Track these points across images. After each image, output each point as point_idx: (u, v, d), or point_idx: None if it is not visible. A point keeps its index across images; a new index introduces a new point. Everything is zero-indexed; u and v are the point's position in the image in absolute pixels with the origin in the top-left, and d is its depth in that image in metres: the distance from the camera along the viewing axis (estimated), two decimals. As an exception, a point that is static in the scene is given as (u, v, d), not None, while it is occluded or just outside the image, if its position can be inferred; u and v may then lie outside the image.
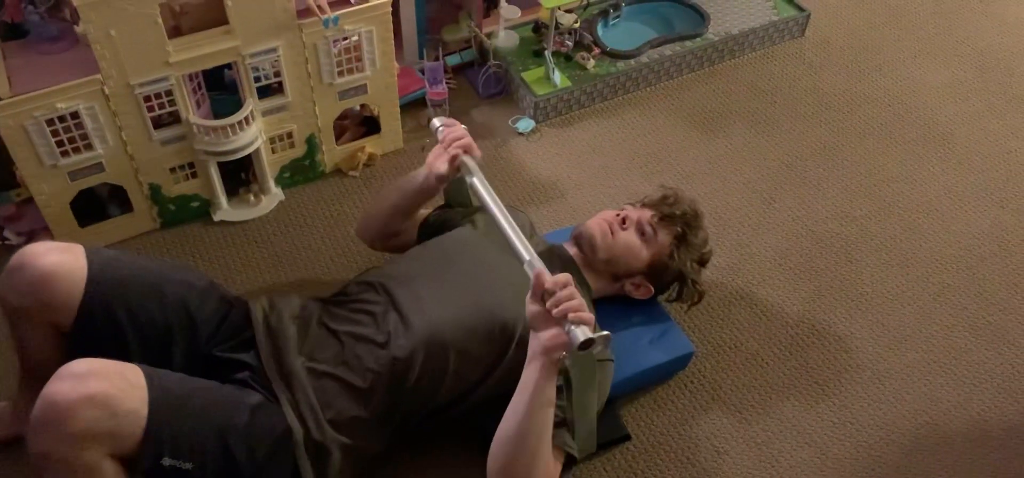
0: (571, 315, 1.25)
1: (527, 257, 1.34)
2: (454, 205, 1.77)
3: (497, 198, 1.45)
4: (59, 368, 1.16)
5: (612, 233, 1.66)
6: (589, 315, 1.26)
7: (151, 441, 1.16)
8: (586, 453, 1.56)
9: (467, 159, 1.53)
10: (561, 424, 1.45)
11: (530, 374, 1.32)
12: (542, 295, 1.28)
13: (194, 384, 1.29)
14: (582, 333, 1.24)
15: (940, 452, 1.65)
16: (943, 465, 1.63)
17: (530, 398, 1.31)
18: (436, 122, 1.61)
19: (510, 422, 1.35)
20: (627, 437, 1.64)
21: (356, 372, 1.41)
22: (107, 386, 1.13)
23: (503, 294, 1.50)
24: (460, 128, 1.58)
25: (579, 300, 1.27)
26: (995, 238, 2.07)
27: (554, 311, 1.26)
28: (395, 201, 1.71)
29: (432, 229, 1.73)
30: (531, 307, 1.30)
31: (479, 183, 1.49)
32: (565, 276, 1.29)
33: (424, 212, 1.78)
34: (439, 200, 1.77)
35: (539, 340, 1.30)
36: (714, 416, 1.69)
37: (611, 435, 1.62)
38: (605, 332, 1.27)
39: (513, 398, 1.35)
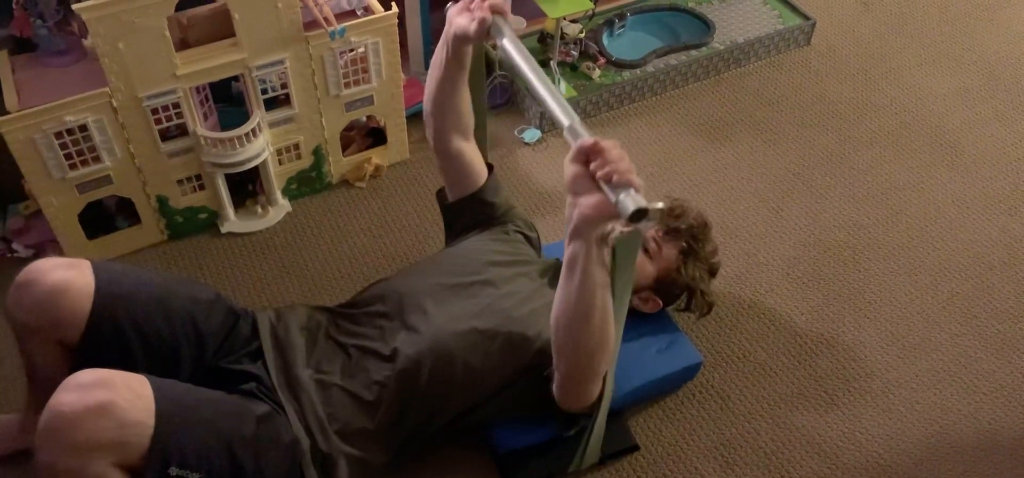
0: (617, 178, 1.06)
1: (566, 122, 1.14)
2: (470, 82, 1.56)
3: (532, 59, 1.25)
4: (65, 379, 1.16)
5: None
6: (638, 180, 1.07)
7: (158, 451, 1.16)
8: (591, 462, 1.56)
9: (499, 19, 1.31)
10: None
11: (574, 250, 1.17)
12: (586, 157, 1.10)
13: (201, 394, 1.29)
14: (632, 200, 1.02)
15: (950, 462, 1.64)
16: (953, 475, 1.62)
17: (581, 276, 1.17)
18: None
19: (565, 302, 1.23)
20: (635, 447, 1.64)
21: (362, 384, 1.41)
22: (113, 396, 1.13)
23: (512, 306, 1.49)
24: None
25: (629, 164, 1.07)
26: (1004, 246, 2.06)
27: (599, 173, 1.08)
28: (433, 84, 1.52)
29: (475, 209, 1.66)
30: (570, 168, 1.12)
31: (511, 44, 1.27)
32: (614, 142, 1.10)
33: (463, 102, 1.54)
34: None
35: (579, 207, 1.12)
36: (722, 426, 1.69)
37: (619, 445, 1.62)
38: (660, 204, 1.06)
39: (561, 276, 1.24)
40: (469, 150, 1.62)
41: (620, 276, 1.21)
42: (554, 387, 1.44)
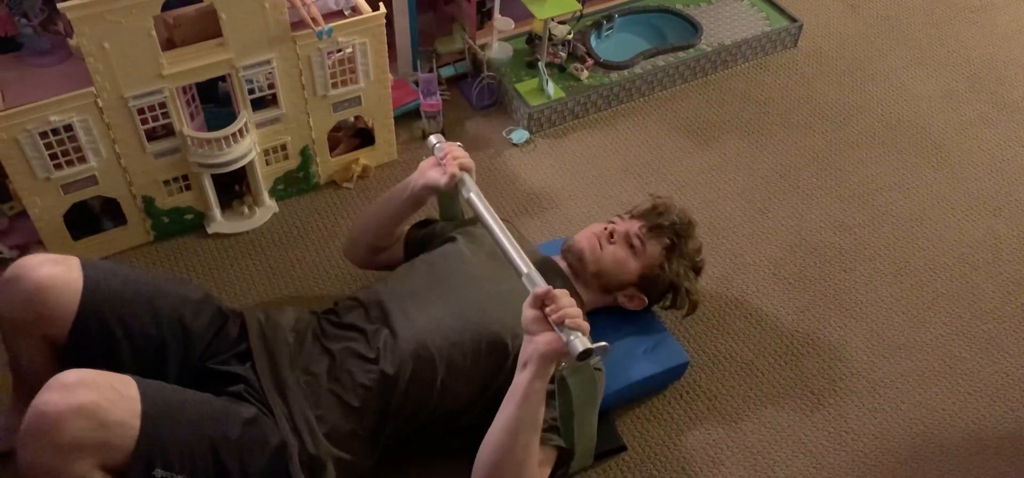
0: (569, 321, 1.24)
1: (525, 270, 1.34)
2: (445, 219, 1.77)
3: (494, 212, 1.46)
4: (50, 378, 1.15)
5: (600, 247, 1.66)
6: (586, 325, 1.26)
7: (142, 452, 1.15)
8: (583, 466, 1.56)
9: (466, 176, 1.54)
10: (550, 429, 1.44)
11: (523, 377, 1.31)
12: (542, 302, 1.28)
13: (187, 395, 1.28)
14: (581, 342, 1.22)
15: (936, 461, 1.65)
16: (939, 474, 1.63)
17: (521, 399, 1.30)
18: (433, 139, 1.62)
19: (500, 424, 1.35)
20: (623, 448, 1.64)
21: (348, 388, 1.41)
22: (97, 397, 1.12)
23: (492, 307, 1.49)
24: (458, 146, 1.59)
25: (578, 310, 1.27)
26: (988, 246, 2.08)
27: (552, 316, 1.26)
28: (384, 213, 1.71)
29: (418, 246, 1.73)
30: (528, 312, 1.30)
31: (476, 198, 1.50)
32: (565, 290, 1.30)
33: (404, 228, 1.78)
34: (423, 214, 1.77)
35: (534, 344, 1.29)
36: (709, 426, 1.69)
37: (607, 445, 1.62)
38: (603, 343, 1.26)
39: (504, 401, 1.35)
40: (383, 251, 1.77)
41: (582, 405, 1.43)
42: None
